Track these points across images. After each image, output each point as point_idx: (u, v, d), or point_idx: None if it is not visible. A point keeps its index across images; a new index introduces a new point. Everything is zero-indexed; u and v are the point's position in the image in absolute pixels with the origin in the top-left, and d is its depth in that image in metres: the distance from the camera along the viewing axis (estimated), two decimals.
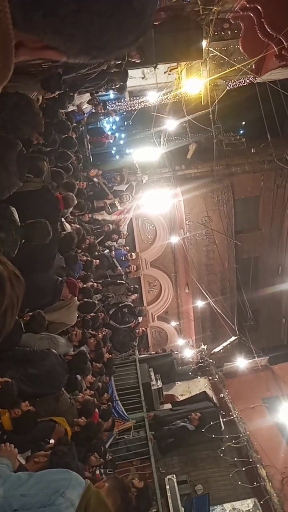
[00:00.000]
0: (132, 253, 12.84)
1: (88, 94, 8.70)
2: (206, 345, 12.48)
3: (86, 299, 6.27)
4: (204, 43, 9.25)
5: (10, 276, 0.94)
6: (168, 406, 9.59)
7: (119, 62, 6.05)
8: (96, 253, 10.71)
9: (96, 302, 7.81)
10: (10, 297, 0.93)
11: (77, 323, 5.98)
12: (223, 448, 8.13)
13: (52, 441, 3.70)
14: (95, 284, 9.80)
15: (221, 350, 12.29)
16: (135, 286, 12.69)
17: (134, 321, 11.26)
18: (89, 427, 4.32)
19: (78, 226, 7.32)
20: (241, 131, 15.70)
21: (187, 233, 14.06)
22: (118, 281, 11.93)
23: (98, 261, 10.67)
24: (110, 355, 8.49)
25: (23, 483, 1.89)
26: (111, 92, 10.46)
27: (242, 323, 13.19)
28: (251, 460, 7.86)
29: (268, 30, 7.56)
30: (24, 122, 2.97)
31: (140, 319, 12.11)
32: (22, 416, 3.33)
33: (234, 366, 11.19)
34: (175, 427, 8.06)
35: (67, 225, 6.26)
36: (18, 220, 3.70)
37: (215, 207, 13.77)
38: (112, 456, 6.53)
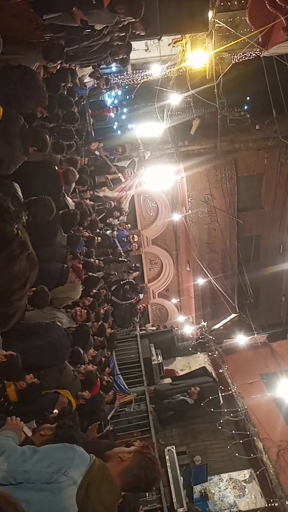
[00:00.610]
0: (135, 235, 12.80)
1: (90, 67, 8.50)
2: (206, 322, 12.62)
3: (90, 273, 6.33)
4: (210, 14, 8.97)
5: (30, 252, 0.98)
6: (168, 380, 9.79)
7: (123, 34, 5.87)
8: (98, 231, 10.72)
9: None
10: (27, 272, 0.96)
11: (84, 303, 6.06)
12: (221, 421, 8.35)
13: (55, 411, 3.81)
14: (97, 261, 9.86)
15: (221, 327, 12.44)
16: (137, 264, 12.74)
17: (136, 297, 11.35)
18: (93, 400, 4.43)
19: (80, 201, 7.29)
20: (246, 107, 15.37)
21: (189, 210, 13.99)
22: (119, 259, 11.97)
23: (100, 238, 10.69)
24: (112, 330, 8.61)
25: (27, 459, 1.90)
26: (113, 65, 10.20)
27: (242, 300, 13.30)
28: (248, 433, 8.08)
29: (277, 0, 7.30)
30: (28, 97, 2.92)
31: (141, 295, 12.22)
32: (27, 388, 3.41)
33: (234, 343, 11.35)
34: (175, 401, 8.25)
35: (70, 200, 6.24)
36: (22, 196, 3.69)
37: (217, 185, 13.66)
38: (113, 428, 6.71)
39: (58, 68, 5.69)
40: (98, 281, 6.62)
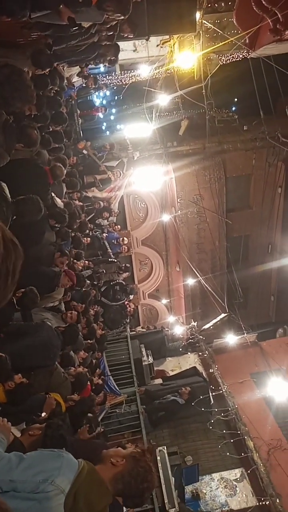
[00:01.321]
0: (125, 238, 12.75)
1: (77, 67, 8.46)
2: (196, 322, 12.64)
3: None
4: (198, 15, 9.01)
5: (6, 239, 0.94)
6: (159, 381, 9.77)
7: (111, 33, 5.86)
8: (87, 232, 10.67)
9: (86, 276, 7.87)
10: (4, 261, 0.92)
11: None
12: (212, 421, 8.36)
13: (44, 414, 3.76)
14: (87, 262, 9.81)
15: (211, 327, 12.47)
16: (126, 264, 12.71)
17: (126, 298, 11.33)
18: (83, 402, 4.40)
19: (69, 201, 7.26)
20: (233, 108, 15.50)
21: (179, 211, 14.03)
22: (109, 260, 11.93)
23: (89, 239, 10.64)
24: (103, 332, 8.58)
25: (13, 467, 1.86)
26: (101, 65, 10.18)
27: (232, 300, 13.35)
28: (239, 432, 8.10)
29: (263, 2, 7.36)
30: (16, 97, 2.88)
31: (131, 297, 12.19)
32: (16, 388, 3.37)
33: (224, 342, 11.38)
34: (166, 401, 8.24)
35: (58, 201, 6.20)
36: (9, 196, 3.65)
37: (206, 185, 13.71)
38: (104, 429, 6.67)
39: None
40: (84, 280, 6.60)
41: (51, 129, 6.67)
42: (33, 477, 1.81)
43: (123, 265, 12.28)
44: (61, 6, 3.70)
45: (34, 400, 3.72)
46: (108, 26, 5.74)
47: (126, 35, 6.45)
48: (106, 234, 12.19)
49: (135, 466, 1.98)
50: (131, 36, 6.72)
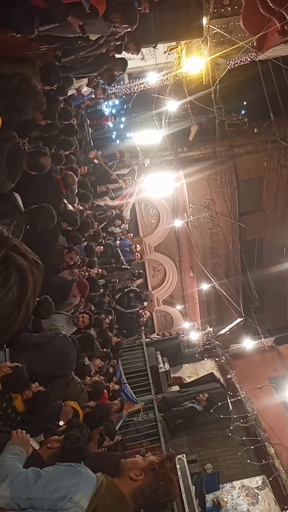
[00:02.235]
0: (137, 245, 12.77)
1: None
2: (211, 328, 12.53)
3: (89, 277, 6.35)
4: (204, 20, 9.03)
5: (31, 266, 0.95)
6: (176, 388, 9.69)
7: (119, 43, 5.91)
8: (100, 240, 10.71)
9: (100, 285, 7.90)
10: (32, 288, 0.94)
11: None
12: (231, 427, 8.24)
13: (61, 422, 3.74)
14: (100, 270, 9.84)
15: (227, 332, 12.35)
16: (140, 271, 12.70)
17: (140, 305, 11.30)
18: (100, 407, 4.37)
19: (82, 209, 7.30)
20: (243, 111, 15.44)
21: (191, 216, 13.98)
22: (122, 267, 11.95)
23: (102, 247, 10.68)
24: (118, 339, 8.57)
25: (30, 484, 1.86)
26: None
27: (248, 304, 13.21)
28: (259, 438, 7.96)
29: (270, 4, 7.34)
30: (27, 106, 2.92)
31: (145, 304, 12.16)
32: (34, 397, 3.37)
33: (241, 348, 11.26)
34: (184, 408, 8.16)
35: (70, 207, 6.24)
36: (22, 206, 3.68)
37: (218, 189, 13.65)
38: (122, 438, 6.63)
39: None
40: (96, 283, 6.64)
41: (61, 138, 6.74)
42: (51, 494, 1.79)
43: (136, 271, 12.27)
44: (69, 17, 3.75)
45: (51, 408, 3.71)
46: (116, 37, 5.81)
47: (130, 52, 6.51)
48: (119, 242, 12.22)
49: (155, 479, 1.92)
50: (136, 54, 6.77)
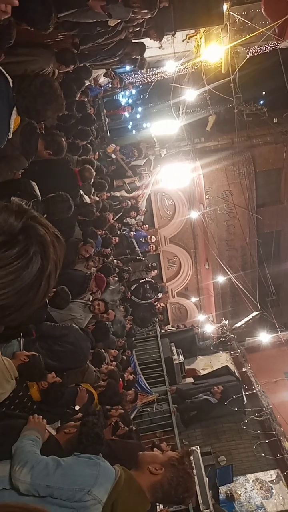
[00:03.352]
0: (152, 236, 12.71)
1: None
2: (227, 320, 12.45)
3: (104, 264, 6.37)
4: (225, 7, 8.82)
5: (53, 238, 0.91)
6: (190, 380, 9.69)
7: (138, 29, 5.81)
8: (116, 231, 10.70)
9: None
10: (53, 260, 0.90)
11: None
12: (245, 421, 8.21)
13: (77, 407, 3.76)
14: (115, 261, 9.84)
15: (243, 325, 12.25)
16: (154, 263, 12.63)
17: (155, 297, 11.28)
18: (112, 385, 4.43)
19: (99, 200, 7.28)
20: (261, 101, 15.13)
21: (207, 208, 13.83)
22: (137, 258, 11.92)
23: (117, 238, 10.67)
24: (131, 326, 8.60)
25: (50, 473, 1.87)
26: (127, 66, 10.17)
27: (264, 298, 13.06)
28: (274, 432, 7.91)
29: None
30: (47, 109, 2.91)
31: (160, 295, 12.13)
32: (49, 388, 3.38)
33: (256, 341, 11.16)
34: (198, 400, 8.14)
35: (87, 198, 6.22)
36: (39, 194, 3.67)
37: (236, 181, 13.45)
38: (136, 428, 6.66)
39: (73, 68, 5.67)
40: (112, 269, 6.66)
41: (79, 128, 6.70)
42: (70, 485, 1.80)
43: (150, 263, 12.21)
44: (89, 0, 3.68)
45: (66, 393, 3.74)
46: (134, 24, 5.71)
47: (152, 39, 6.40)
48: (134, 233, 12.18)
49: (175, 475, 1.90)
50: (157, 41, 6.65)
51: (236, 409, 8.26)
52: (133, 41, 6.54)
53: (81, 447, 2.67)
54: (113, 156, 11.86)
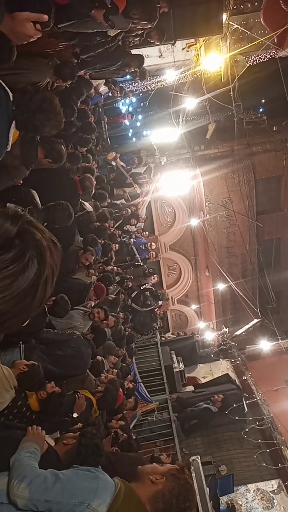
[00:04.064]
0: (153, 243, 12.72)
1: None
2: (227, 328, 12.40)
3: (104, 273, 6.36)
4: (224, 17, 8.91)
5: (49, 243, 0.90)
6: (190, 388, 9.63)
7: (138, 39, 5.85)
8: (116, 238, 10.70)
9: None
10: (50, 265, 0.89)
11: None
12: (246, 430, 8.14)
13: (75, 414, 3.73)
14: (115, 268, 9.83)
15: (243, 333, 12.20)
16: (152, 268, 12.57)
17: (155, 304, 11.26)
18: (110, 390, 4.40)
19: (98, 205, 7.30)
20: (261, 109, 15.22)
21: (207, 215, 13.85)
22: (136, 263, 11.92)
23: (117, 246, 10.67)
24: (129, 330, 8.57)
25: (49, 487, 1.85)
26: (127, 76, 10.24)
27: (264, 305, 13.02)
28: (275, 442, 7.84)
29: None
30: (45, 126, 2.93)
31: (160, 302, 12.10)
32: (48, 398, 3.36)
33: (257, 349, 11.11)
34: (198, 409, 8.09)
35: (87, 204, 6.23)
36: (40, 203, 3.68)
37: (235, 188, 13.49)
38: (136, 437, 6.60)
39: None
40: (112, 278, 6.64)
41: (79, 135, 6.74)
42: (69, 499, 1.78)
43: (148, 269, 12.16)
44: (92, 11, 3.71)
45: (65, 402, 3.71)
46: (134, 34, 5.75)
47: (153, 41, 6.45)
48: (134, 240, 12.19)
49: (176, 484, 1.88)
50: (158, 43, 6.70)
51: (236, 417, 8.20)
52: (132, 52, 6.59)
53: (80, 459, 2.65)
54: (113, 163, 11.90)
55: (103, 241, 7.93)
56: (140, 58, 6.81)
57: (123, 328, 8.06)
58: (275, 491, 7.37)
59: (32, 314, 0.92)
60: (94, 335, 5.05)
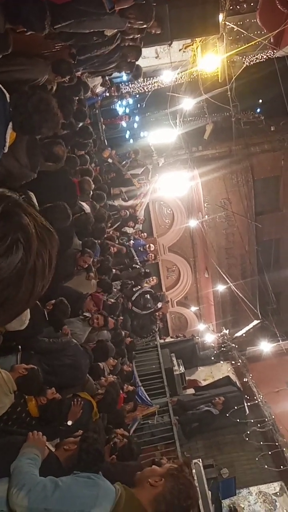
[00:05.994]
0: (151, 245, 12.64)
1: (100, 77, 8.49)
2: (227, 330, 12.35)
3: (103, 277, 6.30)
4: (220, 17, 8.90)
5: (41, 230, 0.83)
6: (191, 391, 9.56)
7: (137, 36, 5.81)
8: (115, 241, 10.65)
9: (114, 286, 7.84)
10: (39, 253, 0.82)
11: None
12: (248, 432, 8.08)
13: (69, 422, 3.67)
14: (114, 270, 9.76)
15: (243, 334, 12.15)
16: (146, 270, 12.46)
17: (155, 307, 11.19)
18: (110, 392, 4.35)
19: (95, 204, 7.25)
20: (258, 110, 15.22)
21: (206, 216, 13.81)
22: (133, 265, 11.84)
23: (116, 248, 10.60)
24: (131, 339, 8.50)
25: (48, 495, 1.83)
26: (123, 73, 10.21)
27: (265, 306, 12.98)
28: (277, 444, 7.79)
29: None
30: (42, 127, 2.91)
31: (159, 304, 12.02)
32: (48, 404, 3.30)
33: (258, 350, 11.06)
34: (199, 412, 8.03)
35: (85, 205, 6.18)
36: (37, 204, 3.62)
37: (234, 189, 13.46)
38: (137, 441, 6.53)
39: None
40: (110, 285, 6.57)
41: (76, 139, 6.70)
42: (69, 507, 1.74)
43: (143, 270, 12.06)
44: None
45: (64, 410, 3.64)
46: (130, 37, 5.72)
47: (154, 31, 6.41)
48: (133, 242, 12.12)
49: (176, 483, 1.85)
50: (159, 32, 6.65)
51: (238, 420, 8.14)
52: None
53: (81, 464, 2.60)
54: (110, 160, 11.84)
55: (99, 242, 7.89)
56: (138, 50, 6.75)
57: (123, 333, 7.99)
58: (278, 493, 7.31)
59: (22, 307, 0.84)
60: (97, 348, 4.96)
